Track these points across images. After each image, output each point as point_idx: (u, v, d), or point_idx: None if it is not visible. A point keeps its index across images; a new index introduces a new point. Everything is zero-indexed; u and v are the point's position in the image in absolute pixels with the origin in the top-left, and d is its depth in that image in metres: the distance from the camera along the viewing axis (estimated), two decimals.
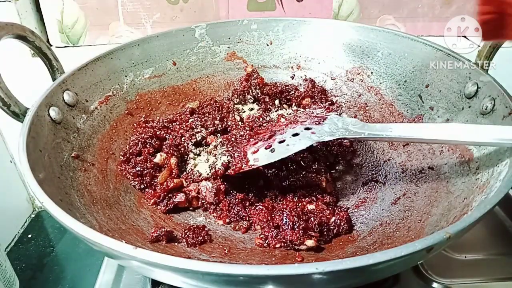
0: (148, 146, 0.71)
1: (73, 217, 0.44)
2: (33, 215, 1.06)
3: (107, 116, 0.74)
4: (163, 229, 0.58)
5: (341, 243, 0.60)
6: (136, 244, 0.40)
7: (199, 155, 0.73)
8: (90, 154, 0.68)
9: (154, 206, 0.66)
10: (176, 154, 0.70)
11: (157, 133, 0.74)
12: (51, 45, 0.95)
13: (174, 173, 0.69)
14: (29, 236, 0.99)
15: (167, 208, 0.66)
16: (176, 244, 0.59)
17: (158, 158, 0.70)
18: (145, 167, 0.69)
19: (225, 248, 0.59)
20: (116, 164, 0.70)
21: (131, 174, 0.68)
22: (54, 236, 0.98)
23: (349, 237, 0.61)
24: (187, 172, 0.70)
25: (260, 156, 0.63)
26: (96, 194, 0.62)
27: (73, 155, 0.64)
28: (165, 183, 0.67)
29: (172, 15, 0.94)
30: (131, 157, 0.70)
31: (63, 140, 0.63)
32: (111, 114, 0.75)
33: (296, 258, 0.57)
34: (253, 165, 0.62)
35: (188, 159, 0.73)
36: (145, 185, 0.68)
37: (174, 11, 0.93)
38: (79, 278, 0.86)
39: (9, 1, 0.87)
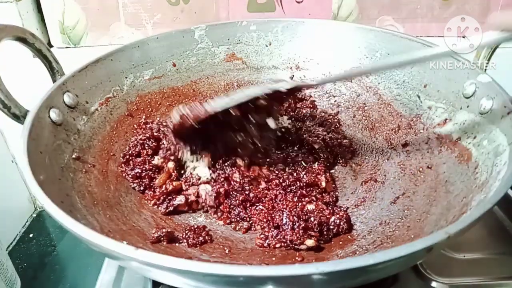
0: (146, 147, 0.71)
1: (74, 219, 0.44)
2: (34, 215, 1.06)
3: (107, 118, 0.74)
4: (164, 230, 0.58)
5: (340, 242, 0.60)
6: (137, 245, 0.40)
7: (197, 160, 0.73)
8: (91, 156, 0.68)
9: (155, 207, 0.67)
10: (172, 158, 0.70)
11: (155, 134, 0.74)
12: (52, 46, 0.95)
13: (173, 176, 0.69)
14: (31, 235, 0.99)
15: (167, 210, 0.66)
16: (177, 244, 0.59)
17: (157, 160, 0.70)
18: (143, 168, 0.69)
19: (225, 248, 0.59)
20: (116, 166, 0.70)
21: (130, 176, 0.69)
22: (56, 235, 0.98)
23: (349, 237, 0.61)
24: (186, 175, 0.70)
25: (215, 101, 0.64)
26: (97, 195, 0.62)
27: (73, 156, 0.64)
28: (164, 186, 0.67)
29: (173, 16, 0.94)
30: (130, 158, 0.71)
31: (63, 142, 0.64)
32: (111, 115, 0.75)
33: (296, 258, 0.57)
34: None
35: (187, 162, 0.73)
36: (144, 186, 0.69)
37: (174, 12, 0.94)
38: (80, 278, 0.86)
39: (11, 2, 0.87)
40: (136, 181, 0.69)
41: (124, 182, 0.69)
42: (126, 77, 0.80)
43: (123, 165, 0.71)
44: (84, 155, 0.67)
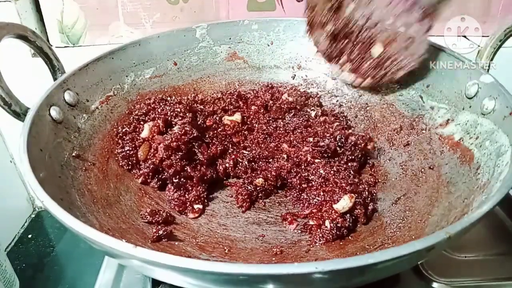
0: (142, 123, 0.72)
1: (73, 216, 0.44)
2: (33, 215, 1.06)
3: (108, 116, 0.74)
4: (164, 229, 0.58)
5: (341, 243, 0.59)
6: (136, 244, 0.40)
7: None
8: (91, 154, 0.68)
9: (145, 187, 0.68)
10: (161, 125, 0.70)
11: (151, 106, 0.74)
12: (51, 45, 0.95)
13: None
14: (29, 236, 0.99)
15: (157, 186, 0.68)
16: (176, 243, 0.59)
17: (146, 131, 0.70)
18: (132, 146, 0.69)
19: (225, 248, 0.59)
20: (117, 164, 0.70)
21: (120, 156, 0.69)
22: (54, 236, 0.98)
23: (350, 238, 0.60)
24: None
25: None
26: (96, 194, 0.62)
27: (73, 154, 0.64)
28: (149, 160, 0.67)
29: (172, 15, 0.94)
30: (123, 137, 0.71)
31: (64, 140, 0.63)
32: (112, 114, 0.75)
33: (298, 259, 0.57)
34: None
35: None
36: (132, 165, 0.69)
37: (174, 11, 0.93)
38: (79, 278, 0.86)
39: (9, 1, 0.87)
40: (125, 161, 0.69)
41: (124, 180, 0.68)
42: (127, 76, 0.79)
43: (117, 146, 0.71)
44: (84, 153, 0.66)
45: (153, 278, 0.64)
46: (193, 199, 0.65)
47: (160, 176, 0.68)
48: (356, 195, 0.61)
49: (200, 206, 0.66)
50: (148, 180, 0.68)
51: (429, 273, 0.66)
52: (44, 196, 0.47)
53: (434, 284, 0.65)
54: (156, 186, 0.68)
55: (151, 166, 0.67)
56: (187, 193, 0.66)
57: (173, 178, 0.66)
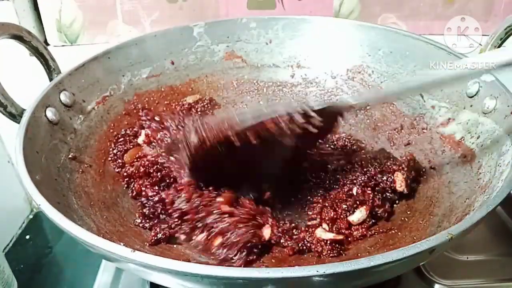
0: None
1: (70, 220, 0.44)
2: (31, 216, 1.05)
3: (104, 117, 0.73)
4: (163, 232, 0.57)
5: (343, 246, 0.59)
6: (134, 247, 0.39)
7: None
8: (87, 155, 0.67)
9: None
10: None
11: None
12: (48, 44, 0.95)
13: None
14: (27, 237, 0.98)
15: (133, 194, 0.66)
16: (175, 246, 0.58)
17: (142, 137, 0.70)
18: (124, 148, 0.69)
19: None
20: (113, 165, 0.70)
21: (111, 154, 0.69)
22: (53, 236, 0.98)
23: (350, 239, 0.60)
24: None
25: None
26: (93, 196, 0.61)
27: (70, 156, 0.63)
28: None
29: (171, 14, 0.93)
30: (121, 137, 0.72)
31: (60, 141, 0.63)
32: (108, 114, 0.74)
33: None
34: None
35: None
36: (120, 166, 0.69)
37: (173, 9, 0.93)
38: (77, 279, 0.85)
39: (7, 0, 0.86)
40: (115, 162, 0.69)
41: (121, 182, 0.68)
42: (123, 75, 0.79)
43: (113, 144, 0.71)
44: (81, 155, 0.66)
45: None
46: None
47: (131, 187, 0.66)
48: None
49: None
50: (125, 185, 0.67)
51: (430, 274, 0.65)
52: (41, 199, 0.46)
53: (436, 286, 0.64)
54: (131, 194, 0.66)
55: (125, 173, 0.67)
56: (168, 219, 0.60)
57: (144, 205, 0.62)
